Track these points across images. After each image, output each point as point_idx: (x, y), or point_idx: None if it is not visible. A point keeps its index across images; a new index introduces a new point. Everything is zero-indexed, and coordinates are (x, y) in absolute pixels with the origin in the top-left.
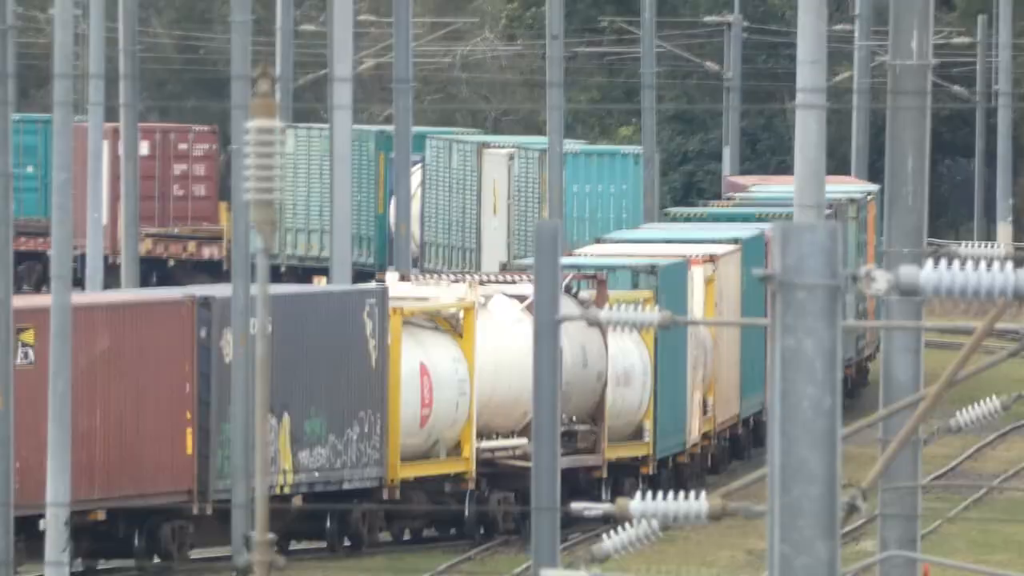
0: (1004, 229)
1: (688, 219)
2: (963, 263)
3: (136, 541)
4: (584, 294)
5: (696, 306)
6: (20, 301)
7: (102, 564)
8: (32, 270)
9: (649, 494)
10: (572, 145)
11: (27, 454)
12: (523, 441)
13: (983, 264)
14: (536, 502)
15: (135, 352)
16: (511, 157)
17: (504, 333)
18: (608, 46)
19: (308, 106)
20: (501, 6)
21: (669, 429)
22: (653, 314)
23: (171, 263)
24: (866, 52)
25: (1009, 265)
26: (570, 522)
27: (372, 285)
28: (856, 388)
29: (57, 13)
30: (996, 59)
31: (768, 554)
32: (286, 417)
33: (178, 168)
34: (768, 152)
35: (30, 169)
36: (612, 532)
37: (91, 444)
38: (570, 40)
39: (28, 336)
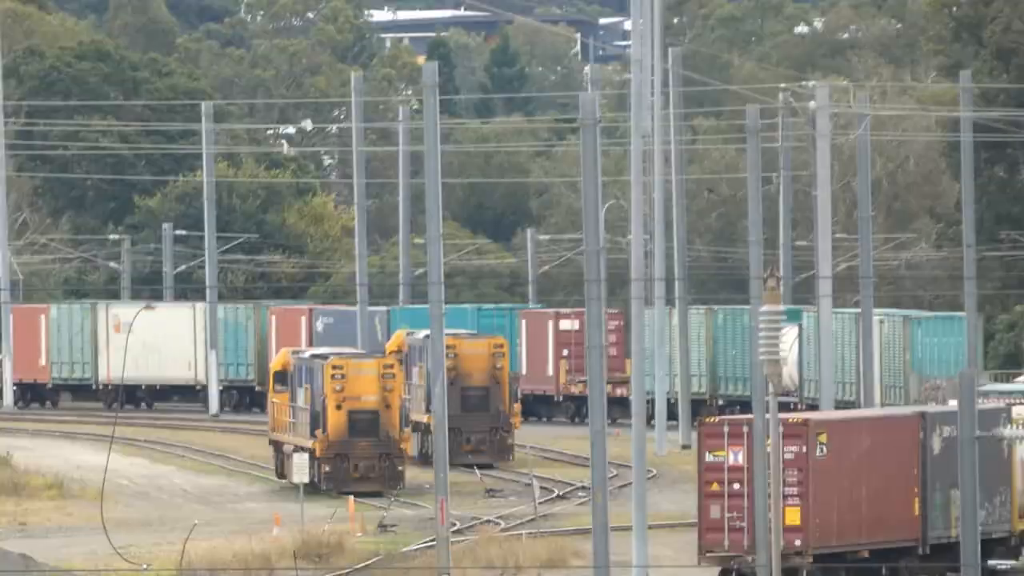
0: None
1: None
2: None
3: (884, 571)
4: None
5: None
6: (816, 415)
7: None
8: None
9: None
10: (921, 314)
11: (827, 513)
12: None
13: None
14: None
15: (885, 448)
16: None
17: None
18: (1005, 250)
19: (802, 296)
20: (933, 225)
21: None
22: None
23: None
24: None
25: None
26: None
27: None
28: None
29: (634, 238)
30: None
31: None
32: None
33: None
34: None
35: None
36: None
37: (859, 507)
38: (980, 247)
39: (823, 438)
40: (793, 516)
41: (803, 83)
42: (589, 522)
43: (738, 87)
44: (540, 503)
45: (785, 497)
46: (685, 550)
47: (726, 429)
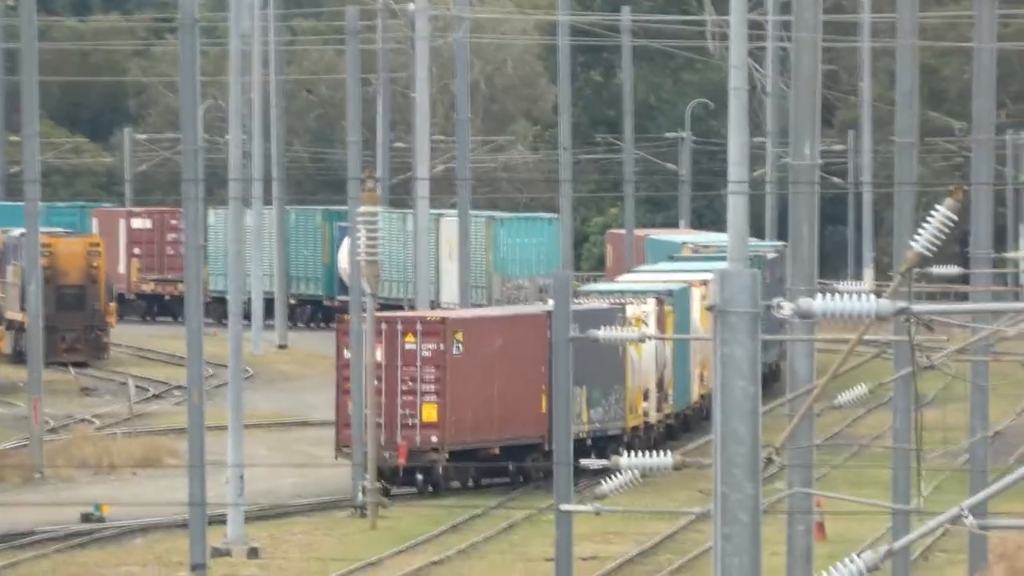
0: (868, 272)
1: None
2: (841, 296)
3: (510, 466)
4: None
5: (696, 316)
6: (453, 314)
7: (485, 480)
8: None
9: (634, 453)
10: (503, 215)
11: (463, 410)
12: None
13: (855, 296)
14: (556, 459)
15: (515, 346)
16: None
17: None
18: (601, 154)
19: (399, 197)
20: (529, 128)
21: (680, 392)
22: (635, 333)
23: (167, 298)
24: (774, 156)
25: (871, 297)
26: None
27: (616, 306)
28: (772, 381)
29: (232, 138)
30: (860, 159)
31: (713, 492)
32: (584, 388)
33: (170, 236)
34: (711, 224)
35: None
36: (609, 479)
37: (491, 405)
38: (576, 151)
39: (459, 336)
40: (431, 413)
41: None
42: (185, 422)
43: None
44: (136, 402)
45: (423, 395)
46: (279, 449)
47: None
